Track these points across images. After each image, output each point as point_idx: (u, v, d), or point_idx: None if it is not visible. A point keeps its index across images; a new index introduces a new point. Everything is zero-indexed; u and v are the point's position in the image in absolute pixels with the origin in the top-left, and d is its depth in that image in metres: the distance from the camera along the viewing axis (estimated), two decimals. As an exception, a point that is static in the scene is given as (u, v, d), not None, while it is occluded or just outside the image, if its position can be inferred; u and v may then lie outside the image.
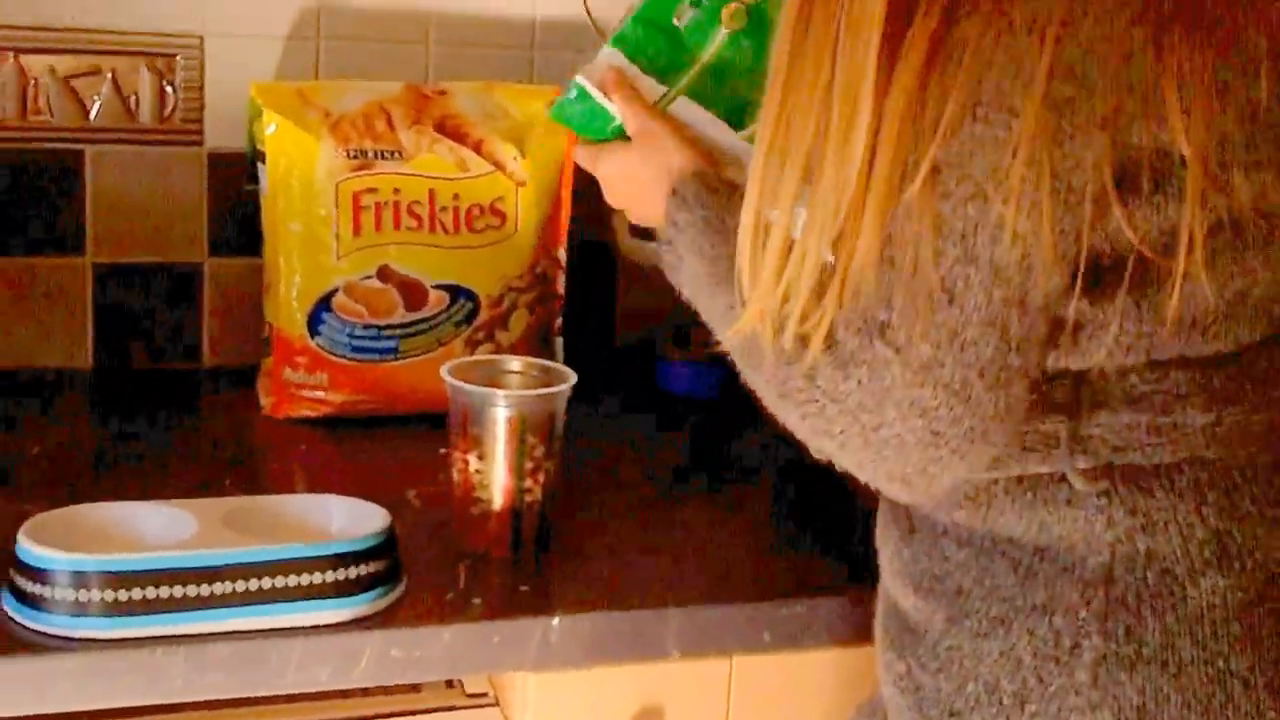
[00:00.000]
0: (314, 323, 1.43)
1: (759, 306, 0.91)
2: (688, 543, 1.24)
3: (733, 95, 1.18)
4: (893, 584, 0.99)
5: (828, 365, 0.88)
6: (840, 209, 0.86)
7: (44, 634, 1.00)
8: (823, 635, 1.14)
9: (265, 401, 1.48)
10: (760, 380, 0.95)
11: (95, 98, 1.53)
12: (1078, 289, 0.87)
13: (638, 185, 1.16)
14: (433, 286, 1.46)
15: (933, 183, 0.84)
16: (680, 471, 1.42)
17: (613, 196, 1.22)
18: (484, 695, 1.18)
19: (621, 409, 1.55)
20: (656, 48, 1.19)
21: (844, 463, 0.91)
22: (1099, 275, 0.87)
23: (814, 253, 0.88)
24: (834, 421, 0.89)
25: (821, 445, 0.91)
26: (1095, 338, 0.89)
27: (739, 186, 1.00)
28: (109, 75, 1.53)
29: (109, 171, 1.55)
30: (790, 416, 0.92)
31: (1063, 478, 0.91)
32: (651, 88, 1.20)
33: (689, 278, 1.07)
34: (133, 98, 1.55)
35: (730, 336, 0.97)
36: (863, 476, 0.92)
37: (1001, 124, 0.82)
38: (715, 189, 1.09)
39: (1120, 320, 0.88)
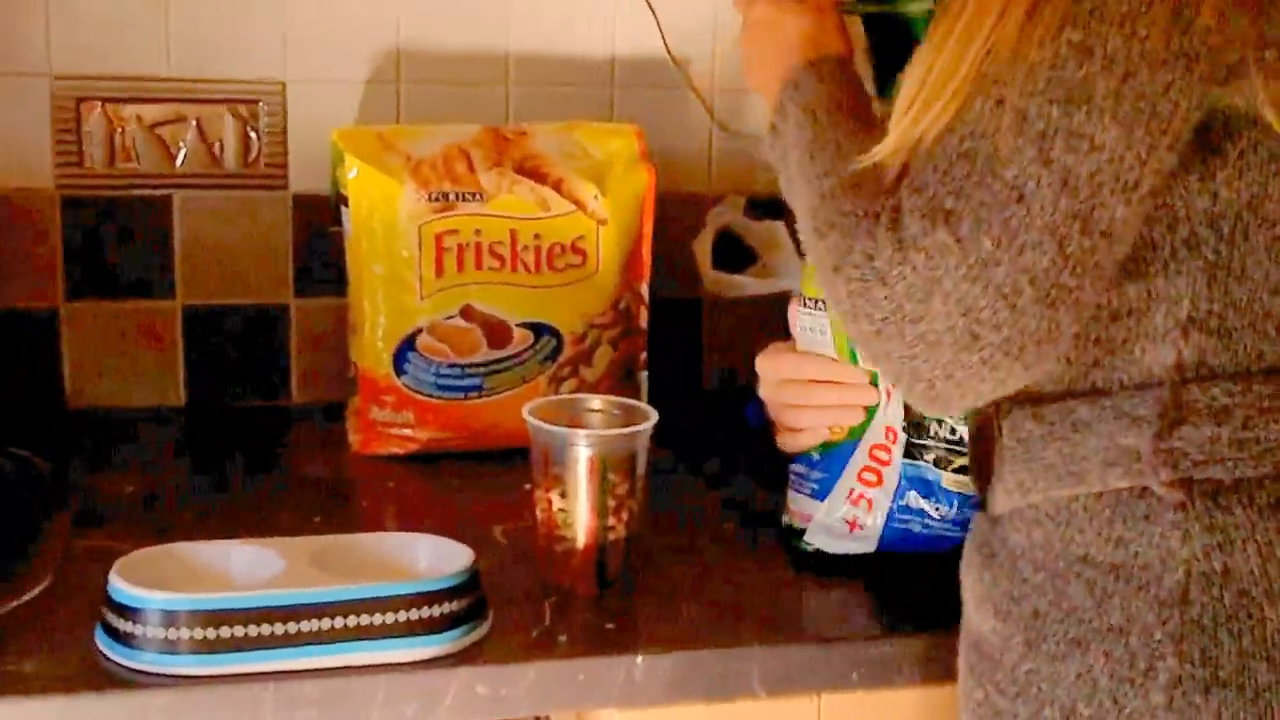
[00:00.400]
0: (399, 362, 1.45)
1: (904, 129, 0.92)
2: (775, 581, 1.23)
3: (893, 53, 1.18)
4: (975, 612, 0.99)
5: (888, 245, 0.88)
6: (960, 67, 0.87)
7: (135, 670, 1.01)
8: (911, 674, 1.12)
9: (353, 439, 1.49)
10: (823, 248, 0.94)
11: (181, 144, 1.56)
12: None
13: (778, 41, 1.14)
14: (516, 325, 1.47)
15: (1025, 77, 0.85)
16: (768, 508, 1.41)
17: (747, 42, 1.19)
18: (571, 732, 1.18)
19: (709, 446, 1.54)
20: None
21: (874, 353, 0.91)
22: (1174, 246, 0.88)
23: (941, 102, 0.89)
24: (878, 305, 0.89)
25: (860, 330, 0.91)
26: (1170, 314, 0.89)
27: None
28: (194, 122, 1.56)
29: (196, 216, 1.58)
30: (839, 292, 0.92)
31: (1142, 493, 0.90)
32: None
33: (790, 143, 1.06)
34: (217, 144, 1.57)
35: (814, 201, 0.97)
36: (890, 373, 0.92)
37: (1100, 35, 0.83)
38: (851, 74, 1.10)
39: (1191, 297, 0.89)
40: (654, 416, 1.18)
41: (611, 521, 1.16)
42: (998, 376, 0.88)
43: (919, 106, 0.90)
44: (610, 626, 1.12)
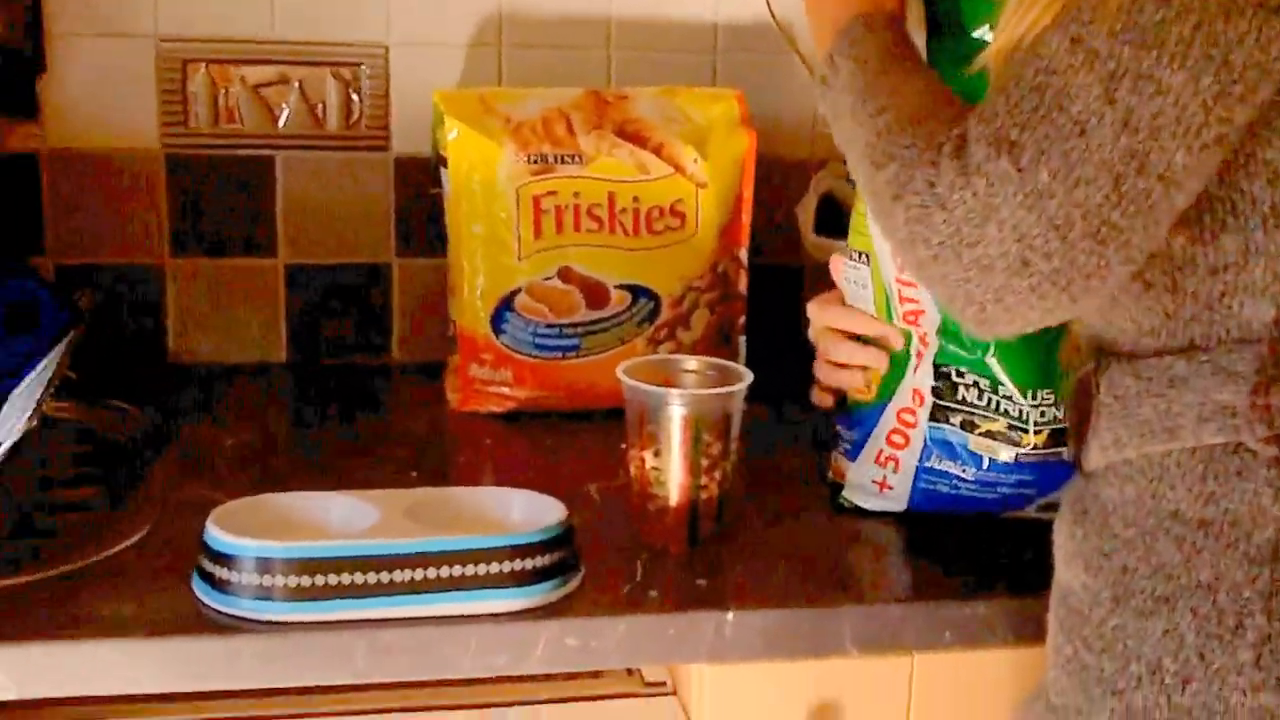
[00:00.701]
0: (497, 321, 1.46)
1: (1007, 33, 0.93)
2: (867, 542, 1.22)
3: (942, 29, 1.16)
4: (1066, 567, 0.98)
5: (951, 171, 0.90)
6: None
7: (230, 616, 1.03)
8: (1003, 635, 1.11)
9: (452, 396, 1.50)
10: (881, 180, 0.95)
11: (284, 106, 1.58)
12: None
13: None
14: (614, 287, 1.47)
15: (1103, 17, 0.85)
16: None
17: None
18: (662, 684, 1.18)
19: (804, 408, 1.53)
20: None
21: (929, 277, 0.93)
22: (1274, 201, 0.88)
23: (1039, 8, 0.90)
24: (936, 230, 0.90)
25: (916, 255, 0.92)
26: (1269, 269, 0.89)
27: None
28: (296, 84, 1.58)
29: (298, 176, 1.60)
30: (896, 219, 0.93)
31: (1235, 449, 0.89)
32: None
33: (842, 90, 1.06)
34: (320, 106, 1.59)
35: (870, 138, 0.99)
36: (943, 295, 0.93)
37: None
38: (901, 30, 1.10)
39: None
40: (748, 377, 1.18)
41: (704, 481, 1.16)
42: (1045, 305, 0.89)
43: (1022, 10, 0.91)
44: (701, 583, 1.12)
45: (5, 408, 1.25)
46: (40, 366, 1.26)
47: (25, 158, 1.55)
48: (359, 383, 1.59)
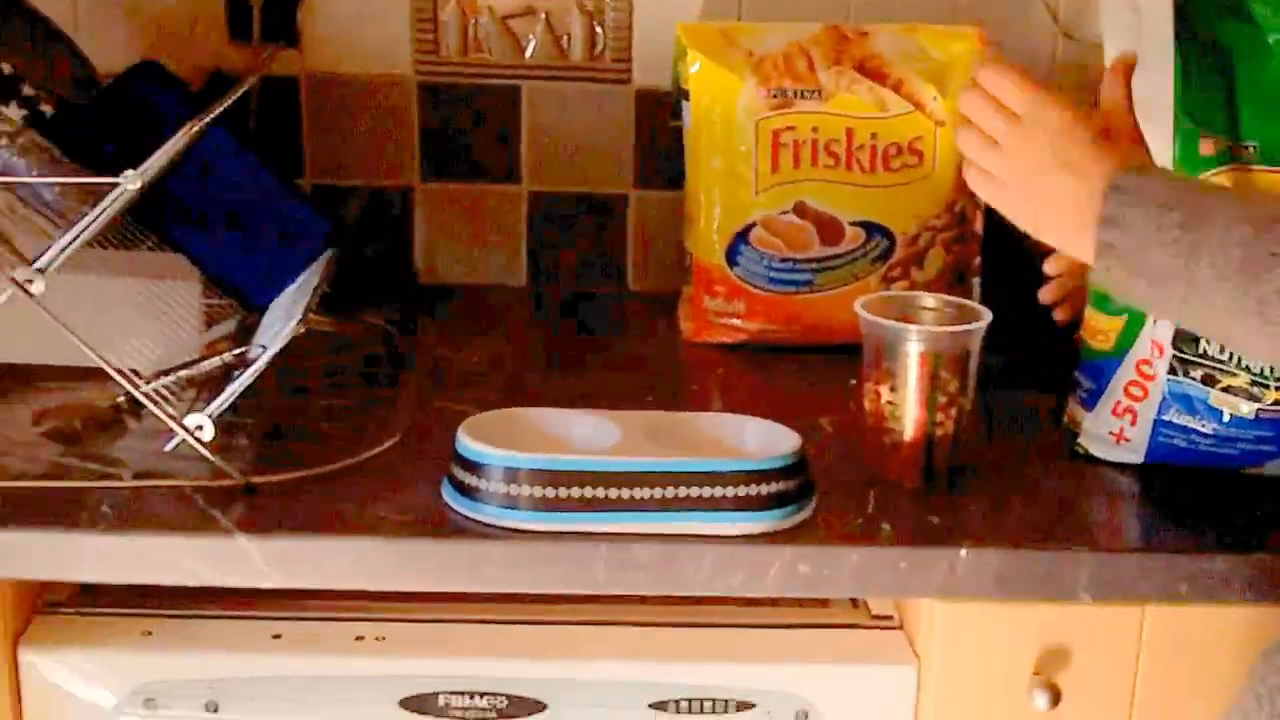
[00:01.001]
0: (732, 254, 1.47)
1: None
2: (1106, 490, 1.20)
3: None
4: None
5: None
6: None
7: (477, 522, 1.06)
8: (1241, 592, 1.09)
9: (685, 326, 1.53)
10: (1273, 286, 0.89)
11: (530, 37, 1.61)
12: None
13: (1075, 148, 1.03)
14: (848, 223, 1.47)
15: None
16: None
17: (1025, 154, 1.07)
18: (889, 618, 1.18)
19: (1043, 353, 1.51)
20: (1212, 100, 1.12)
21: None
22: None
23: None
24: None
25: None
26: None
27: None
28: (543, 16, 1.61)
29: (543, 107, 1.63)
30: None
31: None
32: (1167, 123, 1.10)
33: (1144, 245, 0.97)
34: (565, 37, 1.61)
35: (1232, 255, 0.91)
36: None
37: None
38: (1161, 167, 1.04)
39: None
40: (988, 316, 1.17)
41: (940, 417, 1.16)
42: None
43: None
44: (935, 520, 1.12)
45: (267, 316, 1.31)
46: (302, 278, 1.32)
47: (287, 81, 1.61)
48: (595, 309, 1.63)
